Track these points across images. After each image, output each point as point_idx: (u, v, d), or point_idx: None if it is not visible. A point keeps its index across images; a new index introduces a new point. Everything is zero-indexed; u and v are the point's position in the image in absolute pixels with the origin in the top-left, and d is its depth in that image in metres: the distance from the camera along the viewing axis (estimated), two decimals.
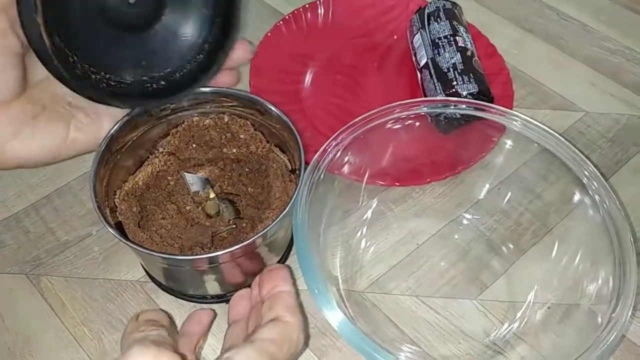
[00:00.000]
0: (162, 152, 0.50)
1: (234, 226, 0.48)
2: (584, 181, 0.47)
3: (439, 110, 0.52)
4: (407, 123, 0.52)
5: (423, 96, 0.62)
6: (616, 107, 0.65)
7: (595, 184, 0.46)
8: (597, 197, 0.45)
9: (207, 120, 0.50)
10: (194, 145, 0.51)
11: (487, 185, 0.56)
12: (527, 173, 0.54)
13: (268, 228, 0.40)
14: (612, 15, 0.75)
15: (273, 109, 0.47)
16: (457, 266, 0.52)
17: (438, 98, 0.57)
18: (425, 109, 0.51)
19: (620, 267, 0.42)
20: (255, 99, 0.48)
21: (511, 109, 0.61)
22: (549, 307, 0.49)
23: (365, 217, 0.54)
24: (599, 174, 0.46)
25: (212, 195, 0.50)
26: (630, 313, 0.40)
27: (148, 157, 0.50)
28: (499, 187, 0.56)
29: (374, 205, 0.55)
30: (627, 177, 0.60)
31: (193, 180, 0.50)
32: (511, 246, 0.53)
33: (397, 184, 0.55)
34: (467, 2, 0.75)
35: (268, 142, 0.50)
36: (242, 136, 0.50)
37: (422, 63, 0.62)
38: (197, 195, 0.50)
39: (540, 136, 0.49)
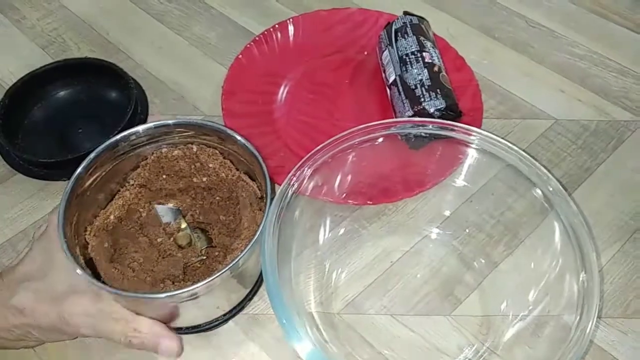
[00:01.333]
0: (132, 185, 0.50)
1: (205, 257, 0.49)
2: (549, 196, 0.47)
3: (407, 131, 0.53)
4: (377, 142, 0.53)
5: (393, 112, 0.63)
6: (585, 113, 0.66)
7: (558, 199, 0.47)
8: (560, 212, 0.46)
9: (176, 151, 0.51)
10: (164, 176, 0.51)
11: (458, 200, 0.57)
12: (497, 185, 0.55)
13: (236, 260, 0.41)
14: (580, 20, 0.76)
15: (238, 137, 0.48)
16: (430, 283, 0.53)
17: (404, 119, 0.57)
18: (394, 129, 0.52)
19: (584, 280, 0.43)
20: (220, 129, 0.49)
21: (480, 121, 0.62)
22: (521, 320, 0.50)
23: (338, 237, 0.55)
24: (562, 188, 0.47)
25: (183, 225, 0.50)
26: (594, 322, 0.41)
27: (119, 191, 0.50)
28: (471, 200, 0.57)
29: (347, 225, 0.56)
30: (597, 183, 0.61)
31: (164, 212, 0.50)
32: (483, 260, 0.54)
33: (369, 202, 0.56)
34: (437, 13, 0.76)
35: (237, 169, 0.51)
36: (211, 165, 0.51)
37: (391, 80, 0.62)
38: (168, 226, 0.51)
39: (504, 152, 0.49)
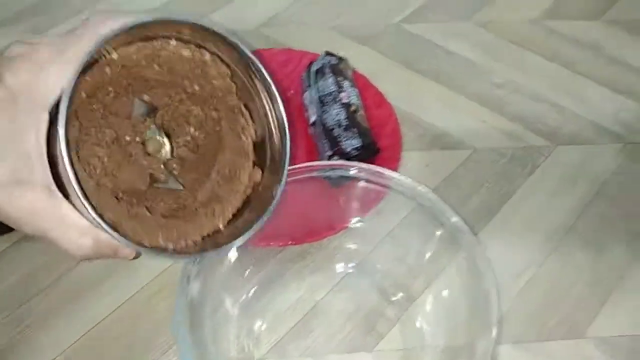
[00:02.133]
0: (116, 61, 0.39)
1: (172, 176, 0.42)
2: (455, 234, 0.50)
3: (327, 174, 0.55)
4: (298, 183, 0.55)
5: (317, 151, 0.64)
6: (502, 140, 0.69)
7: (464, 236, 0.49)
8: (465, 249, 0.48)
9: (185, 51, 0.42)
10: (155, 67, 0.41)
11: (379, 236, 0.59)
12: (413, 222, 0.57)
13: (247, 236, 0.40)
14: (498, 50, 0.79)
15: (264, 71, 0.42)
16: (353, 319, 0.55)
17: (323, 163, 0.59)
18: (315, 173, 0.54)
19: (487, 312, 0.45)
20: (246, 55, 0.42)
21: (399, 155, 0.64)
22: (442, 351, 0.52)
23: (262, 280, 0.56)
24: (467, 228, 0.49)
25: (152, 126, 0.42)
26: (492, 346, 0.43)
27: (100, 59, 0.38)
28: (391, 235, 0.59)
29: (271, 268, 0.57)
30: (514, 207, 0.63)
31: (136, 104, 0.41)
32: (402, 294, 0.56)
33: (291, 242, 0.58)
34: (360, 49, 0.79)
35: (239, 98, 0.43)
36: (214, 82, 0.43)
37: (312, 120, 0.64)
38: (137, 123, 0.41)
39: (413, 193, 0.51)
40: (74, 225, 0.33)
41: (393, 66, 0.77)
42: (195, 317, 0.45)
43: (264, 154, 0.44)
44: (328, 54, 0.68)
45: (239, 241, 0.40)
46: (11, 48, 0.32)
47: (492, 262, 0.55)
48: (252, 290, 0.55)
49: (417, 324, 0.54)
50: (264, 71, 0.42)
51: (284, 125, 0.42)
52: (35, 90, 0.31)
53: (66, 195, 0.33)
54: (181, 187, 0.42)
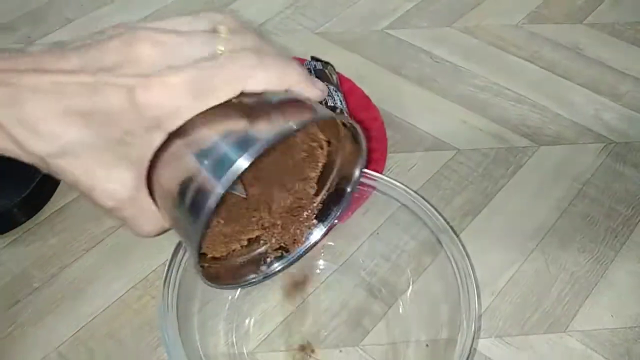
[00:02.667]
0: None
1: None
2: (437, 234, 0.51)
3: None
4: None
5: None
6: (485, 142, 0.71)
7: (447, 237, 0.50)
8: (447, 249, 0.50)
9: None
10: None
11: (366, 233, 0.60)
12: (398, 221, 0.58)
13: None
14: (480, 54, 0.81)
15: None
16: (340, 315, 0.56)
17: None
18: None
19: (467, 308, 0.47)
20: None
21: (385, 157, 0.66)
22: (427, 345, 0.53)
23: None
24: (448, 228, 0.50)
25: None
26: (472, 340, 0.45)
27: None
28: (377, 232, 0.60)
29: None
30: (498, 207, 0.65)
31: None
32: (387, 290, 0.57)
33: None
34: (347, 54, 0.80)
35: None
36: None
37: None
38: None
39: (397, 193, 0.53)
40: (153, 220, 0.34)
41: (378, 71, 0.79)
42: (183, 313, 0.46)
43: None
44: (313, 58, 0.70)
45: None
46: (142, 50, 0.30)
47: (475, 259, 0.57)
48: (240, 290, 0.56)
49: (402, 320, 0.55)
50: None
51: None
52: (163, 116, 0.29)
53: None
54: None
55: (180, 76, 0.29)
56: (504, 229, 0.63)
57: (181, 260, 0.46)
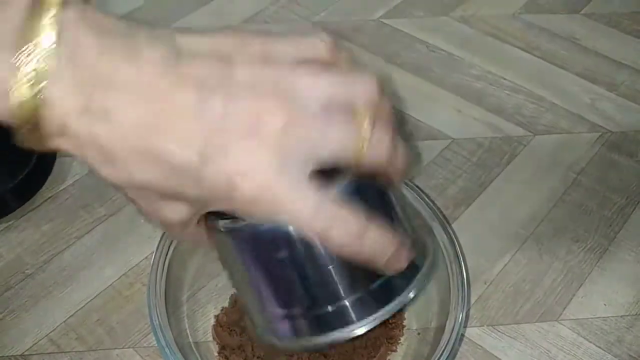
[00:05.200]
0: None
1: None
2: (431, 223, 0.51)
3: None
4: None
5: None
6: (480, 131, 0.71)
7: (439, 226, 0.50)
8: (440, 240, 0.50)
9: None
10: None
11: None
12: None
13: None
14: (476, 43, 0.81)
15: None
16: None
17: None
18: None
19: (456, 296, 0.47)
20: None
21: None
22: (418, 334, 0.53)
23: None
24: (440, 217, 0.50)
25: None
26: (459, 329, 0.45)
27: None
28: None
29: None
30: (491, 196, 0.65)
31: None
32: None
33: None
34: (344, 44, 0.80)
35: None
36: None
37: None
38: None
39: None
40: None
41: (373, 60, 0.78)
42: (172, 300, 0.46)
43: None
44: None
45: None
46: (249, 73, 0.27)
47: (469, 248, 0.57)
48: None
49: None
50: None
51: None
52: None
53: None
54: None
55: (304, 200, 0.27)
56: (497, 218, 0.63)
57: (169, 247, 0.46)
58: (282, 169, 0.26)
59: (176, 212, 0.29)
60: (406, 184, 0.52)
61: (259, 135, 0.26)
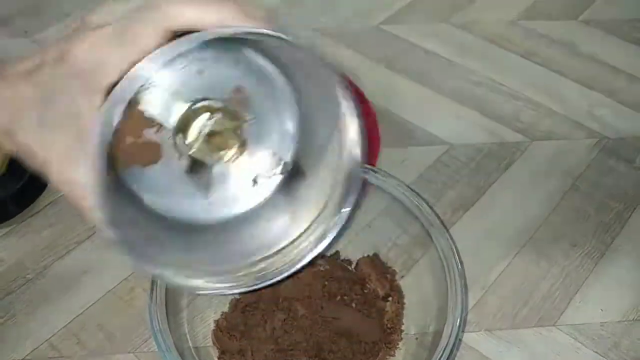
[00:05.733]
0: None
1: None
2: (429, 229, 0.51)
3: None
4: None
5: None
6: (479, 137, 0.71)
7: (437, 231, 0.50)
8: (438, 245, 0.50)
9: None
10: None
11: (358, 226, 0.60)
12: (393, 212, 0.58)
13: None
14: (475, 49, 0.81)
15: None
16: None
17: None
18: None
19: (454, 301, 0.47)
20: None
21: (378, 151, 0.66)
22: (416, 338, 0.53)
23: None
24: (438, 222, 0.51)
25: None
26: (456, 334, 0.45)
27: None
28: (369, 226, 0.60)
29: None
30: (489, 201, 0.65)
31: None
32: None
33: None
34: (343, 50, 0.81)
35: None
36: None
37: None
38: None
39: (389, 187, 0.53)
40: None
41: (373, 66, 0.79)
42: (172, 305, 0.46)
43: None
44: None
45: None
46: (90, 18, 0.31)
47: (467, 254, 0.57)
48: None
49: None
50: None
51: None
52: (91, 70, 0.29)
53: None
54: None
55: (104, 29, 0.29)
56: (495, 223, 0.63)
57: None
58: None
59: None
60: (405, 189, 0.52)
61: None
